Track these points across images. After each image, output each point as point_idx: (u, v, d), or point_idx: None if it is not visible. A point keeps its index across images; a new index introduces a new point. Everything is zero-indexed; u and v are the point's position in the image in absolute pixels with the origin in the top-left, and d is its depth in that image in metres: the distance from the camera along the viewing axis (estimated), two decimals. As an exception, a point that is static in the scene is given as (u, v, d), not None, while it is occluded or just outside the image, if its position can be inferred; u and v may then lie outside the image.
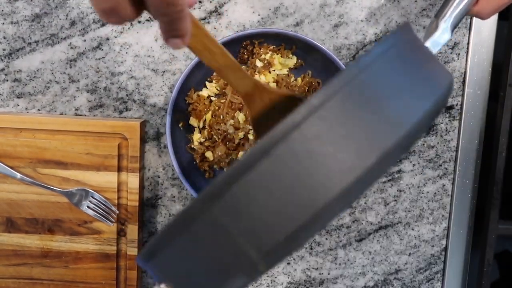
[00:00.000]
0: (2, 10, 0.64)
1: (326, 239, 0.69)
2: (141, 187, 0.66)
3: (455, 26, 0.47)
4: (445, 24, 0.47)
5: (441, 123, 0.67)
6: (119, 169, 0.64)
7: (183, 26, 0.36)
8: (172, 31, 0.36)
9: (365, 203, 0.68)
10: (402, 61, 0.36)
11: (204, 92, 0.64)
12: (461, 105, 0.67)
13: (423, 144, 0.67)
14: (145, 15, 0.64)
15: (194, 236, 0.33)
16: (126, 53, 0.65)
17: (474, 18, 0.65)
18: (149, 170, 0.67)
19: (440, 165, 0.68)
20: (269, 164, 0.31)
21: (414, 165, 0.68)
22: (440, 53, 0.66)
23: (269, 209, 0.31)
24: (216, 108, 0.63)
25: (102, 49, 0.65)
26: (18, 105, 0.66)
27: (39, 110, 0.66)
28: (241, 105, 0.63)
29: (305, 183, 0.31)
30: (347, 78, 0.33)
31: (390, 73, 0.35)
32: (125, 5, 0.34)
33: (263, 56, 0.63)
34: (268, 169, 0.31)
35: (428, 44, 0.45)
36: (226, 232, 0.32)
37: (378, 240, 0.69)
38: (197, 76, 0.63)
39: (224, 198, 0.32)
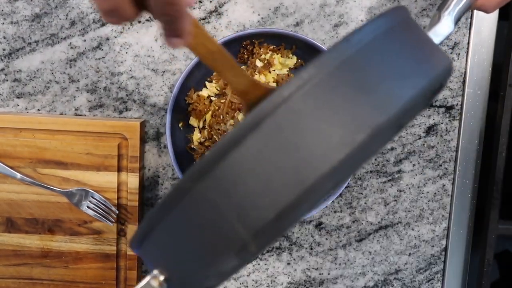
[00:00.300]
0: (2, 10, 0.64)
1: (326, 239, 0.69)
2: (141, 187, 0.66)
3: (458, 19, 0.47)
4: (448, 16, 0.46)
5: (441, 123, 0.67)
6: (119, 169, 0.64)
7: (183, 26, 0.36)
8: (172, 31, 0.37)
9: (365, 203, 0.68)
10: (395, 40, 0.35)
11: (204, 92, 0.64)
12: (461, 105, 0.67)
13: (423, 144, 0.67)
14: (146, 15, 0.64)
15: (184, 214, 0.32)
16: (126, 53, 0.65)
17: (474, 18, 0.65)
18: (149, 170, 0.67)
19: (440, 165, 0.68)
20: (256, 139, 0.30)
21: (414, 165, 0.68)
22: (440, 53, 0.66)
23: (258, 186, 0.30)
24: (216, 108, 0.63)
25: (102, 49, 0.65)
26: (18, 105, 0.66)
27: (39, 110, 0.66)
28: (241, 105, 0.63)
29: (293, 159, 0.30)
30: (337, 54, 0.32)
31: (382, 51, 0.34)
32: (126, 5, 0.35)
33: (263, 56, 0.63)
34: (256, 144, 0.31)
35: (430, 35, 0.45)
36: (215, 209, 0.31)
37: (378, 240, 0.69)
38: (197, 76, 0.63)
39: (212, 175, 0.31)
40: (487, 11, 0.50)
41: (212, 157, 0.31)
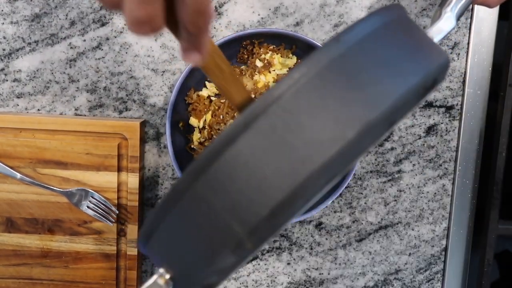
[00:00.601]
0: (2, 10, 0.64)
1: (326, 239, 0.69)
2: (141, 187, 0.66)
3: (460, 15, 0.47)
4: (450, 12, 0.46)
5: (441, 123, 0.67)
6: (119, 169, 0.64)
7: (206, 40, 0.35)
8: (195, 44, 0.35)
9: (365, 203, 0.68)
10: (387, 37, 0.36)
11: (204, 92, 0.64)
12: (461, 105, 0.67)
13: (423, 144, 0.67)
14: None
15: (183, 214, 0.33)
16: (126, 53, 0.65)
17: (474, 18, 0.65)
18: (149, 170, 0.67)
19: (440, 165, 0.68)
20: (248, 138, 0.31)
21: (414, 165, 0.68)
22: (440, 53, 0.66)
23: (251, 184, 0.31)
24: (216, 108, 0.63)
25: (102, 49, 0.65)
26: (18, 105, 0.66)
27: (39, 110, 0.66)
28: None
29: (285, 157, 0.31)
30: (327, 52, 0.33)
31: (373, 48, 0.34)
32: (160, 14, 0.32)
33: (263, 56, 0.63)
34: (248, 143, 0.31)
35: (431, 31, 0.45)
36: (211, 208, 0.32)
37: (378, 240, 0.69)
38: (197, 76, 0.63)
39: (207, 174, 0.32)
40: (490, 5, 0.50)
41: (206, 156, 0.32)
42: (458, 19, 0.46)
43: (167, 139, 0.60)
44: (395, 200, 0.68)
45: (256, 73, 0.63)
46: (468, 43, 0.66)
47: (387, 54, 0.35)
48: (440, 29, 0.45)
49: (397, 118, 0.38)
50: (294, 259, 0.70)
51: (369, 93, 0.33)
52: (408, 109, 0.39)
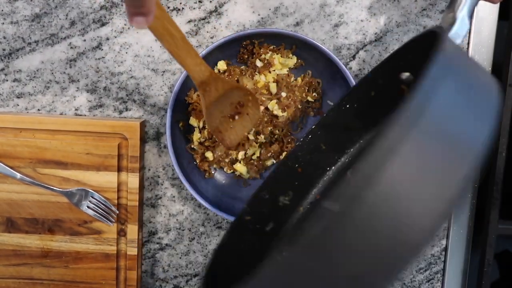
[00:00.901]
0: (2, 10, 0.64)
1: (326, 239, 0.69)
2: (141, 187, 0.66)
3: (472, 13, 0.47)
4: (462, 13, 0.46)
5: (441, 123, 0.67)
6: (119, 169, 0.64)
7: (148, 3, 0.37)
8: (137, 7, 0.37)
9: (365, 203, 0.68)
10: (457, 80, 0.35)
11: (204, 92, 0.64)
12: (461, 105, 0.67)
13: (423, 144, 0.67)
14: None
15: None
16: (126, 53, 0.65)
17: (474, 18, 0.65)
18: (149, 170, 0.67)
19: (440, 165, 0.68)
20: (361, 212, 0.31)
21: (414, 165, 0.68)
22: (440, 53, 0.66)
23: (371, 253, 0.32)
24: (216, 108, 0.63)
25: (102, 49, 0.65)
26: (18, 105, 0.66)
27: (39, 110, 0.66)
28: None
29: (395, 228, 0.31)
30: (415, 111, 0.32)
31: (452, 96, 0.34)
32: None
33: (263, 56, 0.63)
34: (358, 216, 0.31)
35: (450, 36, 0.45)
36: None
37: (378, 240, 0.69)
38: (197, 76, 0.63)
39: (321, 252, 0.32)
40: (493, 1, 0.51)
41: (319, 230, 0.32)
42: (470, 19, 0.47)
43: (167, 139, 0.60)
44: (395, 200, 0.68)
45: (256, 73, 0.63)
46: (468, 43, 0.66)
47: (463, 99, 0.35)
48: (458, 33, 0.45)
49: (481, 163, 0.38)
50: (294, 259, 0.69)
51: (459, 147, 0.33)
52: (488, 151, 0.39)
